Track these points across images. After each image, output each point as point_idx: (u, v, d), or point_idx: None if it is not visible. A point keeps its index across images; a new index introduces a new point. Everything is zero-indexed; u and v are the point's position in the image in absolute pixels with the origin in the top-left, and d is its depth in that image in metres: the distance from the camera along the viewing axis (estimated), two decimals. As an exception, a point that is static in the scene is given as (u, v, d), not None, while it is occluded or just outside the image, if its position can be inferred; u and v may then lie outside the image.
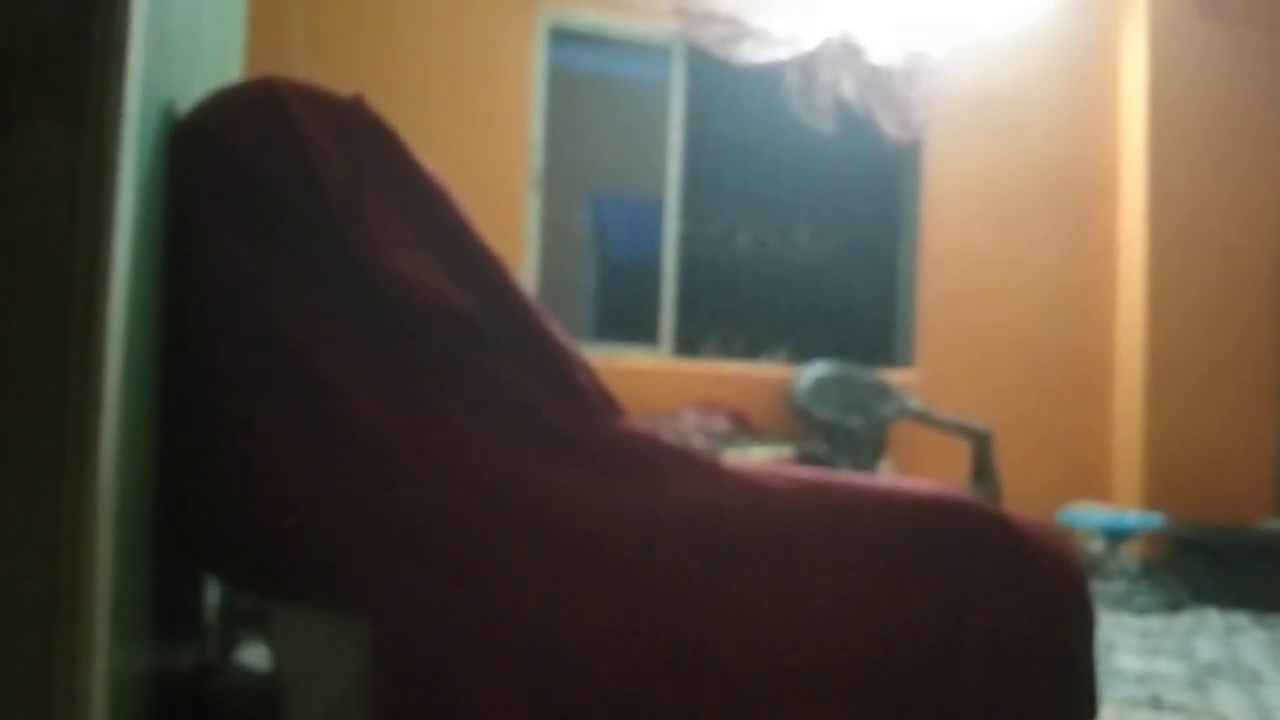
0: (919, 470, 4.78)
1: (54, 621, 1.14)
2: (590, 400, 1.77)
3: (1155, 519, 4.89)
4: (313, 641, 1.64)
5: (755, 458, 4.02)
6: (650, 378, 4.70)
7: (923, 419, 4.90)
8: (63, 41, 1.16)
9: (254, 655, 2.48)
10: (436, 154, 1.81)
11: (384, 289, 1.65)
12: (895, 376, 5.15)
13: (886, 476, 2.18)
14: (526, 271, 4.62)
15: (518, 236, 4.63)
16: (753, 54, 4.88)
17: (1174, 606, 4.61)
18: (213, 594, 2.40)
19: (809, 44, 4.95)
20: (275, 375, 1.61)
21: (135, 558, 1.48)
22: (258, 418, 1.60)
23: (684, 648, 1.65)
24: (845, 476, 1.90)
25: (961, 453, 4.76)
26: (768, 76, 5.01)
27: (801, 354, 5.17)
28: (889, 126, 5.12)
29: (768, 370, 5.05)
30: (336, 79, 1.81)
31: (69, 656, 1.16)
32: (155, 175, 1.50)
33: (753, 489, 1.76)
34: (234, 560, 1.66)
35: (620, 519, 1.68)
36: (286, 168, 1.63)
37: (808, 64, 4.98)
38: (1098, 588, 4.48)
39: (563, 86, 4.94)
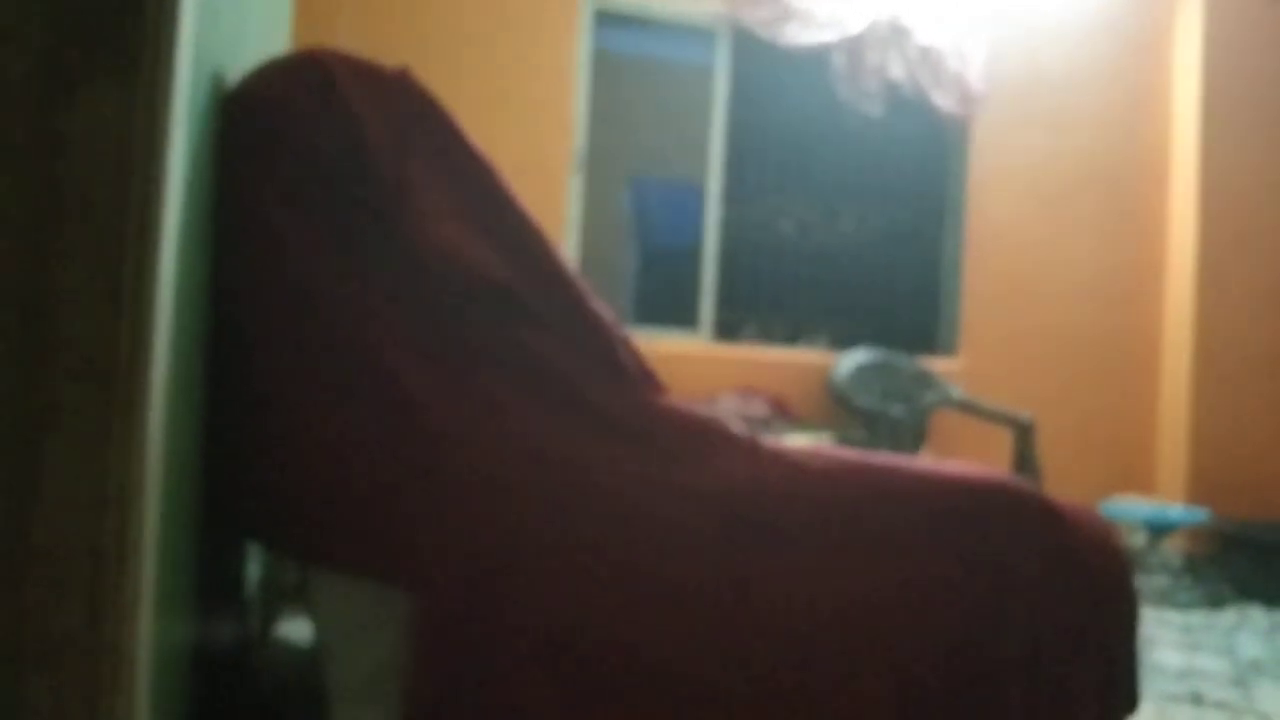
0: (960, 460, 4.73)
1: (100, 582, 1.15)
2: (631, 376, 1.77)
3: (1200, 513, 4.82)
4: (353, 610, 1.65)
5: (792, 444, 4.00)
6: (689, 363, 4.68)
7: (965, 408, 4.86)
8: (116, 8, 1.17)
9: (294, 629, 2.50)
10: (478, 134, 1.81)
11: (428, 261, 1.65)
12: (937, 364, 5.10)
13: (929, 460, 2.16)
14: (567, 254, 4.62)
15: (559, 219, 4.64)
16: (798, 36, 4.84)
17: (1217, 602, 4.54)
18: (254, 568, 2.43)
19: (855, 26, 4.90)
20: (319, 345, 1.63)
21: (181, 525, 1.50)
22: (302, 387, 1.62)
23: (720, 625, 1.64)
24: (887, 458, 1.88)
25: (1003, 443, 4.72)
26: (813, 59, 4.97)
27: (842, 340, 5.13)
28: (945, 102, 5.06)
29: (808, 356, 5.02)
30: (379, 57, 1.81)
31: (115, 618, 1.17)
32: (204, 143, 1.52)
33: (792, 468, 1.75)
34: (277, 527, 1.68)
35: (658, 495, 1.67)
36: (333, 139, 1.64)
37: (854, 46, 4.93)
38: (1139, 582, 4.43)
39: (606, 69, 4.93)
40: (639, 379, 1.78)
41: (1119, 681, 1.80)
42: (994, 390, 5.02)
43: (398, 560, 1.60)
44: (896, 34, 4.99)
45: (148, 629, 1.22)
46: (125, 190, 1.15)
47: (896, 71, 5.00)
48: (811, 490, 1.73)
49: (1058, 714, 1.70)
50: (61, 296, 1.14)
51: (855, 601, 1.69)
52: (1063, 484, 4.42)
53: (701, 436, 1.75)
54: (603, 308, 1.81)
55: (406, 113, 1.71)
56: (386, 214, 1.66)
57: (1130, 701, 1.82)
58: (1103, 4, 5.48)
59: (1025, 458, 4.63)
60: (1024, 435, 4.66)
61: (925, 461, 2.01)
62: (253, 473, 1.65)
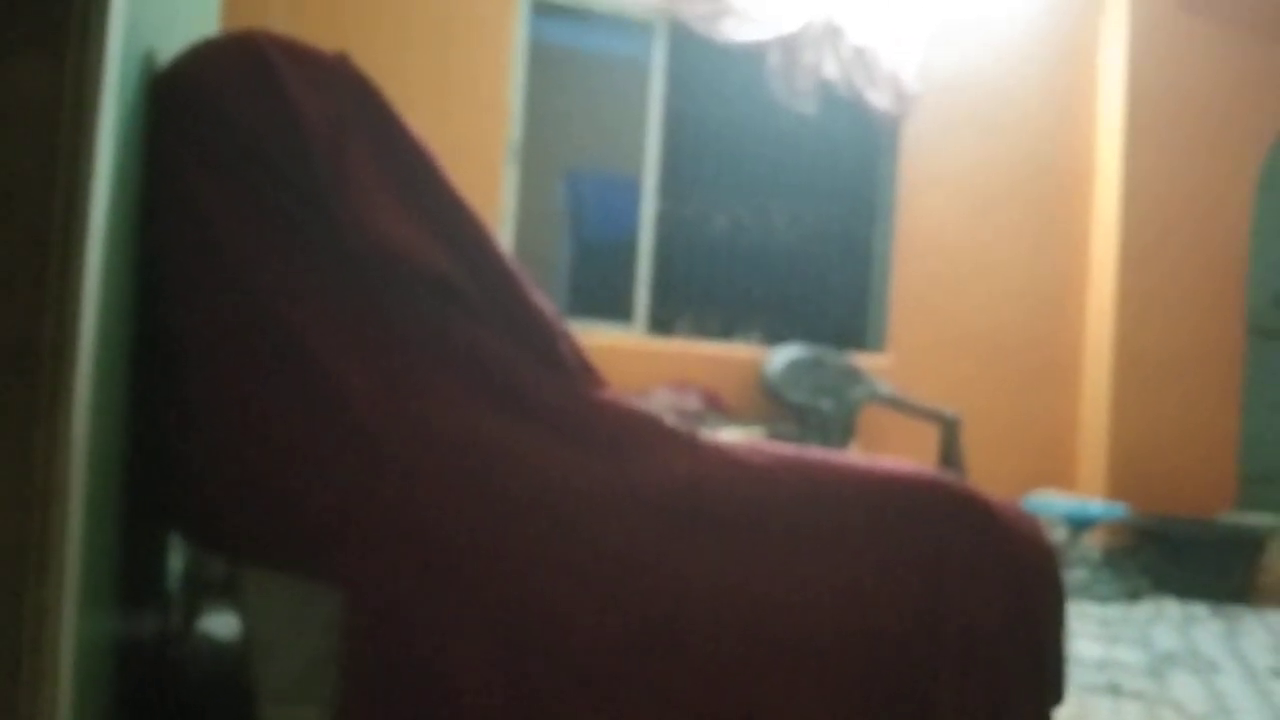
0: (887, 454, 4.79)
1: (24, 576, 1.11)
2: (570, 370, 1.75)
3: (1118, 509, 4.95)
4: (284, 606, 1.61)
5: (726, 438, 4.02)
6: (623, 356, 4.68)
7: (892, 404, 4.92)
8: (43, -20, 1.12)
9: (217, 624, 2.45)
10: (412, 123, 1.78)
11: (365, 249, 1.62)
12: (866, 361, 5.16)
13: (861, 456, 2.19)
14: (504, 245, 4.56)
15: (493, 210, 4.60)
16: (735, 32, 4.85)
17: (1134, 595, 4.67)
18: (176, 562, 2.37)
19: (791, 24, 4.93)
20: (250, 335, 1.58)
21: (105, 518, 1.45)
22: (230, 377, 1.57)
23: (658, 620, 1.64)
24: (823, 454, 1.89)
25: (930, 438, 4.79)
26: (749, 56, 4.99)
27: (774, 336, 5.17)
28: (879, 100, 5.11)
29: (740, 351, 5.04)
30: (314, 43, 1.77)
31: (37, 613, 1.13)
32: (134, 122, 1.47)
33: (730, 464, 1.75)
34: (204, 524, 1.63)
35: (597, 490, 1.66)
36: (268, 122, 1.60)
37: (790, 44, 4.96)
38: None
39: (542, 61, 4.89)
40: (579, 372, 1.77)
41: (1048, 674, 1.83)
42: (920, 387, 5.09)
43: (327, 556, 1.57)
44: (831, 33, 5.03)
45: (71, 626, 1.18)
46: (51, 168, 1.10)
47: (831, 71, 5.04)
48: (750, 485, 1.74)
49: (989, 706, 1.73)
50: (-17, 279, 1.09)
51: (792, 596, 1.70)
52: (986, 479, 4.48)
53: (641, 431, 1.74)
54: (542, 300, 1.79)
55: (345, 98, 1.67)
56: (321, 200, 1.61)
57: (1057, 694, 1.85)
58: (1032, 12, 5.59)
59: (951, 453, 4.71)
60: (950, 431, 4.74)
61: (860, 458, 2.03)
62: (176, 465, 1.60)
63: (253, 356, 1.58)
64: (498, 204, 4.65)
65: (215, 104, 1.60)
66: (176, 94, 1.61)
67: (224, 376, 1.57)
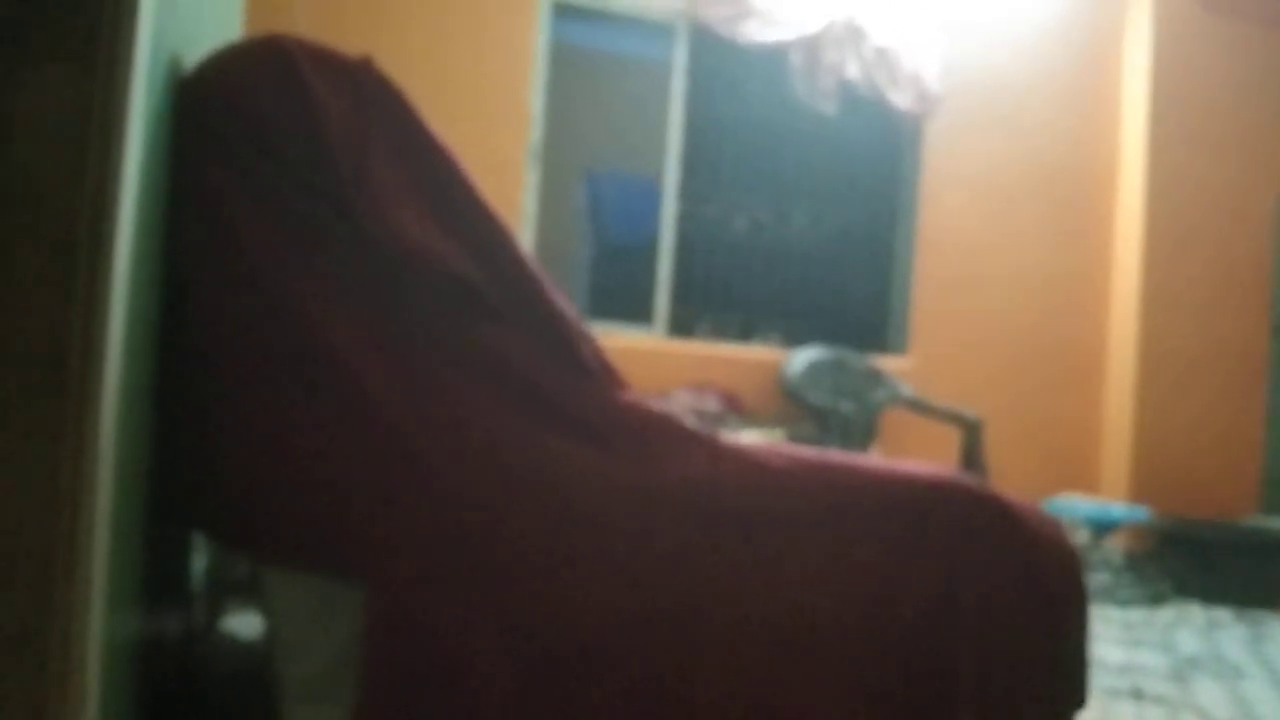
0: (909, 457, 4.78)
1: (51, 577, 1.12)
2: (592, 372, 1.76)
3: (1141, 512, 4.92)
4: (306, 605, 1.62)
5: (746, 440, 4.02)
6: (643, 357, 4.68)
7: (914, 406, 4.91)
8: (72, -13, 1.14)
9: (240, 623, 2.47)
10: (434, 125, 1.79)
11: (388, 252, 1.63)
12: (888, 363, 5.15)
13: (882, 459, 2.21)
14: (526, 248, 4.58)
15: (514, 212, 4.61)
16: (756, 34, 4.85)
17: (1156, 599, 4.64)
18: (199, 561, 2.39)
19: (813, 26, 4.92)
20: (275, 336, 1.60)
21: (131, 518, 1.46)
22: (257, 380, 1.59)
23: (679, 621, 1.64)
24: (844, 457, 1.89)
25: (951, 440, 4.77)
26: (770, 57, 4.99)
27: (795, 338, 5.16)
28: (901, 101, 5.10)
29: (761, 353, 5.04)
30: (337, 46, 1.78)
31: (65, 614, 1.14)
32: (161, 127, 1.48)
33: (751, 466, 1.75)
34: (229, 522, 1.65)
35: (619, 492, 1.67)
36: (292, 126, 1.61)
37: (811, 45, 4.96)
38: (1082, 579, 4.50)
39: (564, 62, 4.91)
40: (600, 375, 1.77)
41: (1069, 677, 1.83)
42: (942, 388, 5.08)
43: (350, 556, 1.58)
44: (853, 34, 5.02)
45: (98, 626, 1.19)
46: (80, 174, 1.12)
47: (853, 71, 5.03)
48: (769, 487, 1.74)
49: (1009, 708, 1.72)
50: (12, 284, 1.11)
51: (810, 596, 1.70)
52: (1009, 482, 4.47)
53: (662, 433, 1.74)
54: (565, 302, 1.80)
55: (368, 102, 1.69)
56: (345, 203, 1.63)
57: (1080, 697, 1.85)
58: (1055, 12, 5.56)
59: (973, 456, 4.69)
60: (972, 434, 4.72)
61: (881, 460, 2.03)
62: (202, 465, 1.62)
63: (277, 357, 1.60)
64: (518, 205, 4.66)
65: (239, 107, 1.61)
66: (201, 98, 1.62)
67: (248, 377, 1.59)
